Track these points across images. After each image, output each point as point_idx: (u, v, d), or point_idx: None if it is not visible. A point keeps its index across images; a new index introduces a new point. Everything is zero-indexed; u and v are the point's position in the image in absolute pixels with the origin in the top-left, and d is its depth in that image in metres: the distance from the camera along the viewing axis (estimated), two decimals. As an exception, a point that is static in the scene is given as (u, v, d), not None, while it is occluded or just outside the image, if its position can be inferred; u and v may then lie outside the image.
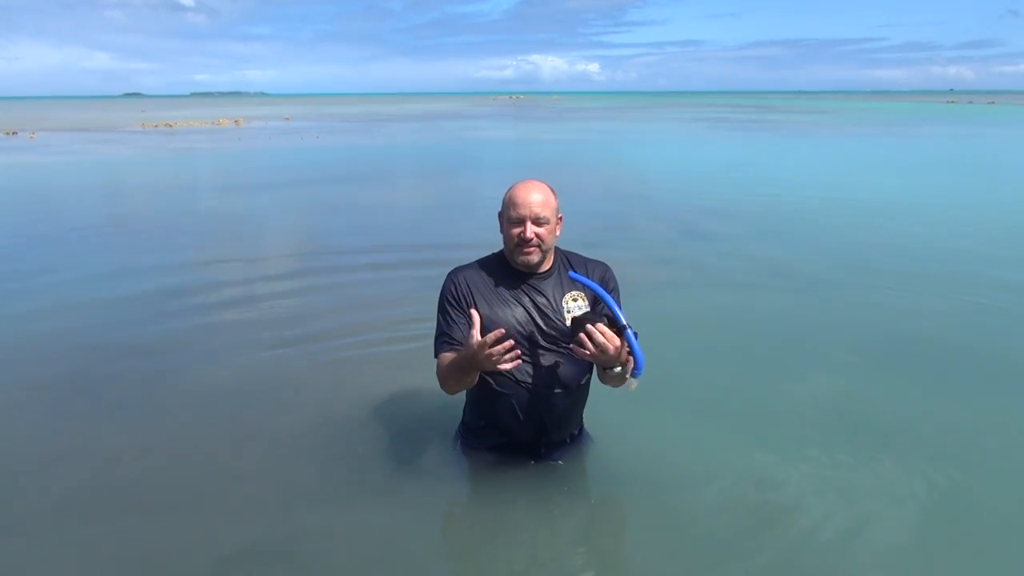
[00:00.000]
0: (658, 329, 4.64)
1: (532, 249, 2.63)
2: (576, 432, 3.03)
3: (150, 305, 5.55)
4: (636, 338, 2.46)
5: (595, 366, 2.67)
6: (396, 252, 7.42)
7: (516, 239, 2.63)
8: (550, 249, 2.71)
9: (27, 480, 3.07)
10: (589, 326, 2.43)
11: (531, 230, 2.60)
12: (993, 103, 74.16)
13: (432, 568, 2.61)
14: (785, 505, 2.86)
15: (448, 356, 2.65)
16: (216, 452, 3.31)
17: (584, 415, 3.03)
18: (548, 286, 2.72)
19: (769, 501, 2.88)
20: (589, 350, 2.44)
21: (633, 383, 2.54)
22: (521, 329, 2.66)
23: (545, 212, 2.61)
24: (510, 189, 2.68)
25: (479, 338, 2.37)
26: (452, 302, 2.70)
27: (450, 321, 2.69)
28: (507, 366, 2.39)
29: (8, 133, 29.52)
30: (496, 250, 2.82)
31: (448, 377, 2.65)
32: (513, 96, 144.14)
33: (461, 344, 2.63)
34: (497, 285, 2.71)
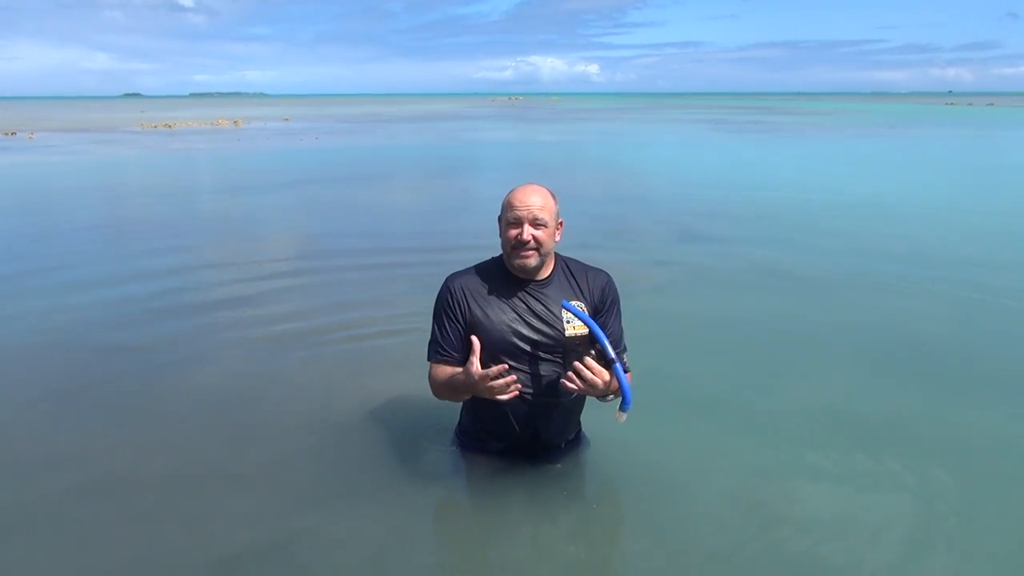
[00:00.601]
0: (656, 331, 4.65)
1: (530, 252, 2.59)
2: (574, 436, 3.02)
3: (148, 305, 5.54)
4: (625, 371, 2.45)
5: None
6: (394, 253, 7.41)
7: (513, 241, 2.60)
8: (549, 254, 2.67)
9: (23, 481, 3.06)
10: (577, 364, 2.44)
11: (528, 232, 2.57)
12: (992, 105, 74.20)
13: (430, 570, 2.61)
14: (784, 507, 2.86)
15: (441, 368, 2.67)
16: (213, 454, 3.31)
17: (581, 418, 3.03)
18: (547, 293, 2.69)
19: (767, 503, 2.88)
20: (577, 386, 2.44)
21: (622, 416, 2.53)
22: (516, 335, 2.63)
23: (543, 215, 2.58)
24: (509, 192, 2.67)
25: (479, 368, 2.39)
26: (447, 311, 2.68)
27: (444, 331, 2.68)
28: (504, 398, 2.42)
29: (7, 133, 29.50)
30: (496, 254, 2.80)
31: (441, 391, 2.69)
32: (512, 97, 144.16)
33: (453, 353, 2.65)
34: (494, 291, 2.68)
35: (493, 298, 2.67)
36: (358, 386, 4.00)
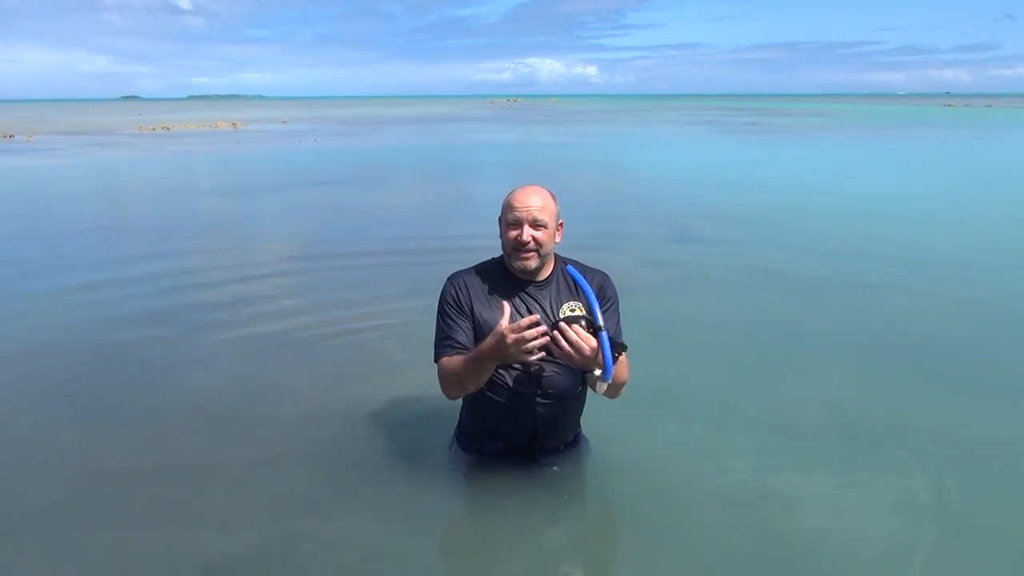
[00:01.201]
0: (655, 333, 4.64)
1: (529, 254, 2.59)
2: (573, 437, 3.01)
3: (146, 307, 5.54)
4: (610, 341, 2.42)
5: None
6: (393, 254, 7.42)
7: (513, 243, 2.59)
8: (548, 255, 2.67)
9: (17, 486, 3.05)
10: (563, 324, 2.40)
11: (528, 233, 2.56)
12: (990, 106, 74.34)
13: (428, 572, 2.61)
14: (783, 508, 2.85)
15: (452, 359, 2.62)
16: (210, 455, 3.30)
17: (581, 420, 3.01)
18: (546, 295, 2.68)
19: (767, 504, 2.88)
20: (563, 348, 2.40)
21: (602, 386, 2.48)
22: None
23: (543, 216, 2.58)
24: (509, 193, 2.66)
25: (509, 323, 2.33)
26: (453, 306, 2.67)
27: (452, 324, 2.66)
28: (534, 357, 2.36)
29: (6, 136, 29.50)
30: (496, 255, 2.79)
31: (454, 382, 2.62)
32: (511, 99, 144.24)
33: (464, 347, 2.61)
34: (495, 291, 2.67)
35: (494, 298, 2.66)
36: (357, 387, 3.99)
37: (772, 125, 37.73)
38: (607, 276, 2.81)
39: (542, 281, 2.70)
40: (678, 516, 2.81)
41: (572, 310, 2.65)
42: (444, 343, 2.66)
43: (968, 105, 79.81)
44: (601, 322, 2.43)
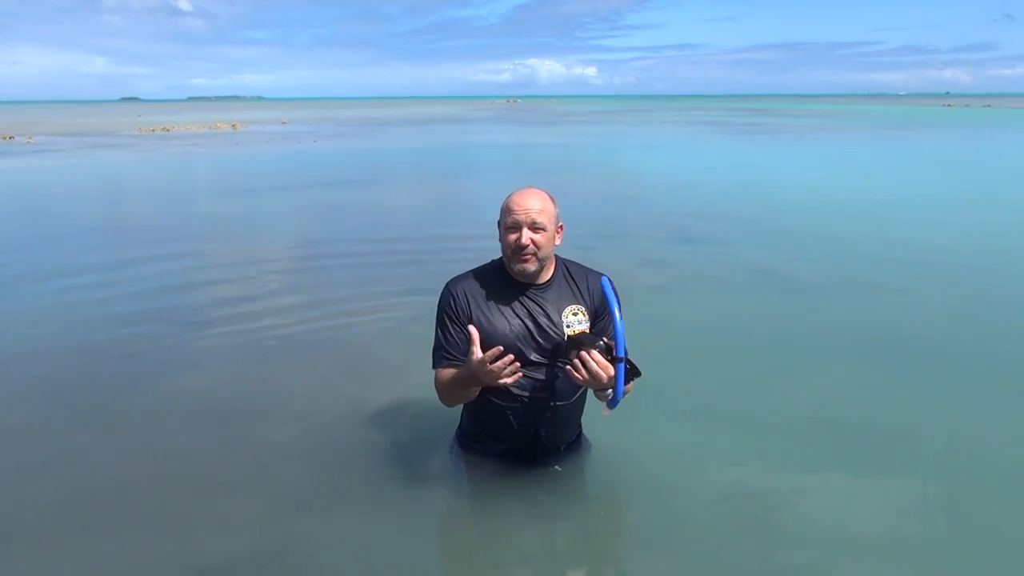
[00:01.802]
0: (654, 334, 4.65)
1: (528, 257, 2.57)
2: (574, 438, 3.01)
3: (144, 308, 5.54)
4: (626, 372, 2.44)
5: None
6: (392, 256, 7.42)
7: (512, 246, 2.58)
8: (548, 258, 2.65)
9: (12, 489, 3.05)
10: (584, 353, 2.43)
11: (527, 236, 2.55)
12: (990, 106, 74.31)
13: (429, 573, 2.61)
14: (782, 509, 2.86)
15: (447, 371, 2.64)
16: (208, 457, 3.30)
17: (582, 421, 3.02)
18: (547, 298, 2.67)
19: (766, 505, 2.88)
20: (582, 375, 2.45)
21: (607, 412, 2.54)
22: (517, 341, 2.61)
23: (542, 219, 2.56)
24: (508, 196, 2.66)
25: (479, 354, 2.38)
26: (451, 315, 2.66)
27: (448, 336, 2.66)
28: (509, 380, 2.41)
29: (6, 137, 29.50)
30: (496, 257, 2.78)
31: (448, 392, 2.66)
32: (510, 100, 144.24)
33: (460, 357, 2.62)
34: (494, 295, 2.66)
35: (494, 302, 2.65)
36: (357, 388, 4.00)
37: (772, 126, 37.73)
38: (609, 278, 2.80)
39: (543, 284, 2.69)
40: (678, 516, 2.82)
41: (575, 313, 2.66)
42: (438, 354, 2.68)
43: (967, 105, 79.82)
44: (621, 353, 2.44)
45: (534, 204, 2.58)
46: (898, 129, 34.70)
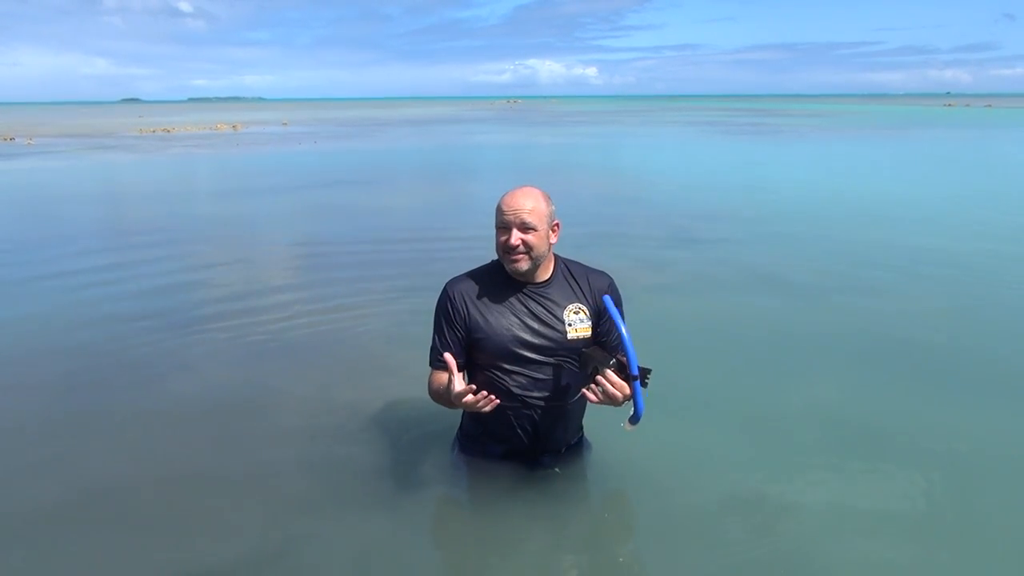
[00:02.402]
0: (654, 334, 4.63)
1: (519, 256, 2.56)
2: (575, 440, 3.00)
3: (143, 309, 5.54)
4: (643, 386, 2.44)
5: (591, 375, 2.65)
6: (392, 256, 7.41)
7: (503, 246, 2.58)
8: (541, 257, 2.61)
9: (12, 489, 3.05)
10: (600, 378, 2.43)
11: (516, 237, 2.53)
12: (990, 106, 74.27)
13: (431, 575, 2.60)
14: (783, 509, 2.86)
15: (440, 375, 2.65)
16: (207, 458, 3.30)
17: (583, 422, 3.01)
18: (547, 297, 2.66)
19: (767, 506, 2.88)
20: (599, 398, 2.45)
21: (630, 427, 2.52)
22: (517, 340, 2.61)
23: (532, 219, 2.53)
24: (501, 196, 2.65)
25: (458, 388, 2.41)
26: (448, 318, 2.66)
27: (444, 339, 2.66)
28: (486, 409, 2.43)
29: (6, 139, 29.53)
30: (495, 257, 2.76)
31: (438, 397, 2.68)
32: (511, 100, 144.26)
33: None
34: (493, 295, 2.65)
35: (493, 303, 2.64)
36: (357, 388, 3.99)
37: (772, 126, 37.72)
38: (611, 279, 2.77)
39: (542, 283, 2.68)
40: (679, 518, 2.81)
41: (576, 312, 2.65)
42: (435, 356, 2.69)
43: (968, 105, 79.78)
44: (636, 372, 2.43)
45: (524, 204, 2.55)
46: (898, 129, 34.69)
